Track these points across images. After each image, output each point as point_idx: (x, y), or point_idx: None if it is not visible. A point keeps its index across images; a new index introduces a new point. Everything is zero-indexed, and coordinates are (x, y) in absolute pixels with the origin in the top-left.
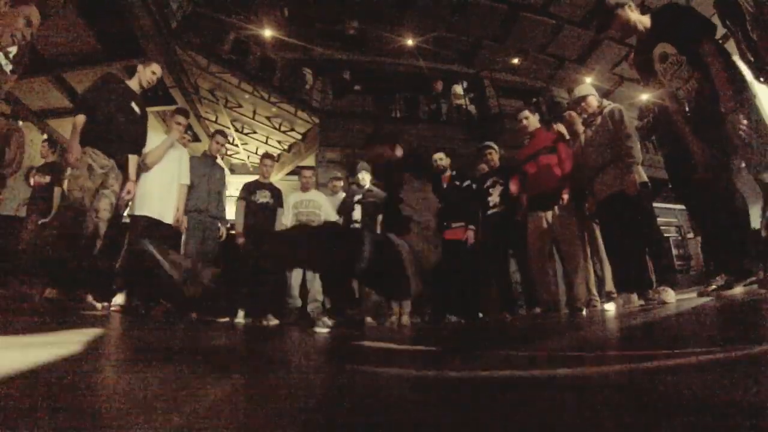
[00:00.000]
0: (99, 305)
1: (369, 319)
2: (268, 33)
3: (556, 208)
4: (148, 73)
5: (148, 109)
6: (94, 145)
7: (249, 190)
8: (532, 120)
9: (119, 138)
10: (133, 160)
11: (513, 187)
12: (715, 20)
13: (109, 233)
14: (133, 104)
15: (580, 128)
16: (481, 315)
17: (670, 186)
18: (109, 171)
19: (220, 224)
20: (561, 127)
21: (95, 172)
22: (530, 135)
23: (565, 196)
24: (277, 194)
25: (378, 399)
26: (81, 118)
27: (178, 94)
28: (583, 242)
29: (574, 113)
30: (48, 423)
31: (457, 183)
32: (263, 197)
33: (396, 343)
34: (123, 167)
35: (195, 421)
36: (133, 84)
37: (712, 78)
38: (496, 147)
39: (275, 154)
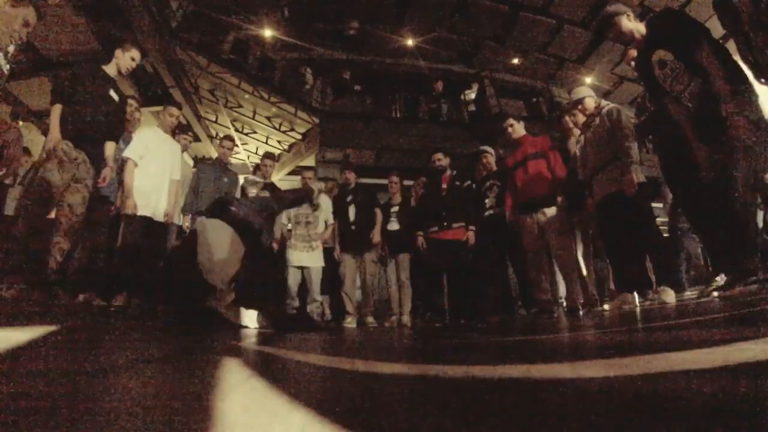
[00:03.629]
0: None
1: (370, 319)
2: (268, 33)
3: (547, 210)
4: (126, 59)
5: (148, 109)
6: (66, 136)
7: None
8: (517, 127)
9: (94, 128)
10: (110, 146)
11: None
12: (715, 21)
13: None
14: (111, 92)
15: (576, 132)
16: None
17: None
18: (79, 164)
19: None
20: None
21: (65, 167)
22: (516, 142)
23: (559, 199)
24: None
25: (376, 399)
26: (58, 108)
27: (178, 94)
28: (577, 244)
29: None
30: (47, 423)
31: (458, 183)
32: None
33: (396, 343)
34: (94, 159)
35: (193, 421)
36: (111, 70)
37: (712, 82)
38: (491, 150)
39: (275, 154)
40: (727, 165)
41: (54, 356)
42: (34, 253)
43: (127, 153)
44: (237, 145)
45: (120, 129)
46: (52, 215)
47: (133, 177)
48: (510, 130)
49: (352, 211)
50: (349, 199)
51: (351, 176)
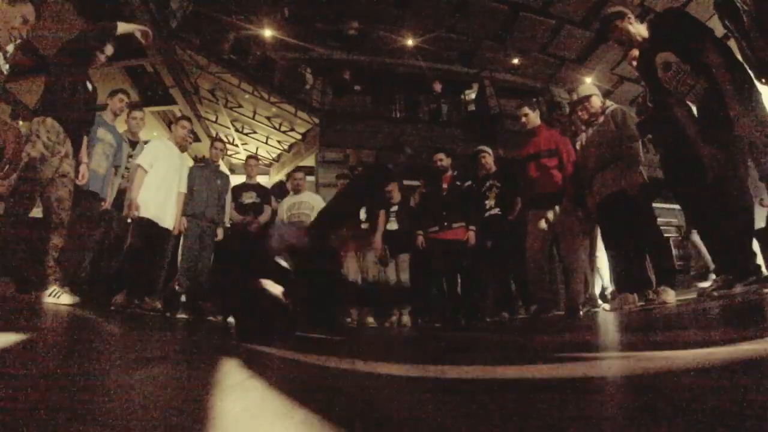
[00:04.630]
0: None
1: (370, 319)
2: (268, 33)
3: (557, 207)
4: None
5: (148, 110)
6: (52, 115)
7: (237, 192)
8: (532, 116)
9: (73, 116)
10: (84, 140)
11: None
12: (716, 21)
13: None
14: (87, 82)
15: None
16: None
17: (666, 185)
18: (63, 157)
19: (218, 228)
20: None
21: (49, 162)
22: (531, 132)
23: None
24: (263, 194)
25: (376, 399)
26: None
27: (178, 94)
28: (584, 242)
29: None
30: (47, 423)
31: (458, 183)
32: (248, 198)
33: (396, 343)
34: (76, 151)
35: (193, 421)
36: None
37: (717, 83)
38: (489, 150)
39: (258, 155)
40: (732, 165)
41: (53, 356)
42: (31, 252)
43: (139, 160)
44: (230, 142)
45: (91, 121)
46: (38, 213)
47: (141, 183)
48: (524, 119)
49: (362, 210)
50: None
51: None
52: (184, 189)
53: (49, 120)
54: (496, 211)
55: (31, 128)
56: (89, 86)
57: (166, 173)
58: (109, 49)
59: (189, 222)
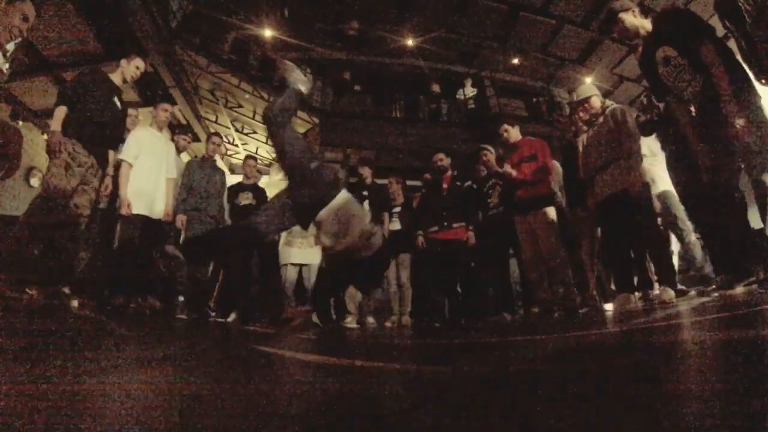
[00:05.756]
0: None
1: (370, 319)
2: (268, 33)
3: (539, 213)
4: (131, 68)
5: (147, 109)
6: (75, 138)
7: (233, 193)
8: (512, 132)
9: (101, 133)
10: (110, 155)
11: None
12: (716, 21)
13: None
14: (116, 99)
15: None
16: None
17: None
18: (88, 168)
19: (219, 224)
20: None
21: (73, 170)
22: (514, 146)
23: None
24: (260, 194)
25: (376, 398)
26: (62, 110)
27: (178, 94)
28: (582, 242)
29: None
30: (47, 423)
31: (458, 183)
32: (245, 199)
33: (395, 343)
34: (101, 164)
35: (193, 421)
36: (116, 78)
37: (715, 82)
38: (491, 149)
39: (257, 156)
40: (728, 165)
41: (54, 356)
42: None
43: (122, 155)
44: (230, 142)
45: (120, 137)
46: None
47: (127, 179)
48: (506, 135)
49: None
50: (363, 195)
51: (368, 172)
52: (171, 175)
53: (72, 142)
54: (499, 209)
55: (57, 147)
56: (117, 103)
57: (152, 163)
58: (141, 64)
59: (190, 217)
